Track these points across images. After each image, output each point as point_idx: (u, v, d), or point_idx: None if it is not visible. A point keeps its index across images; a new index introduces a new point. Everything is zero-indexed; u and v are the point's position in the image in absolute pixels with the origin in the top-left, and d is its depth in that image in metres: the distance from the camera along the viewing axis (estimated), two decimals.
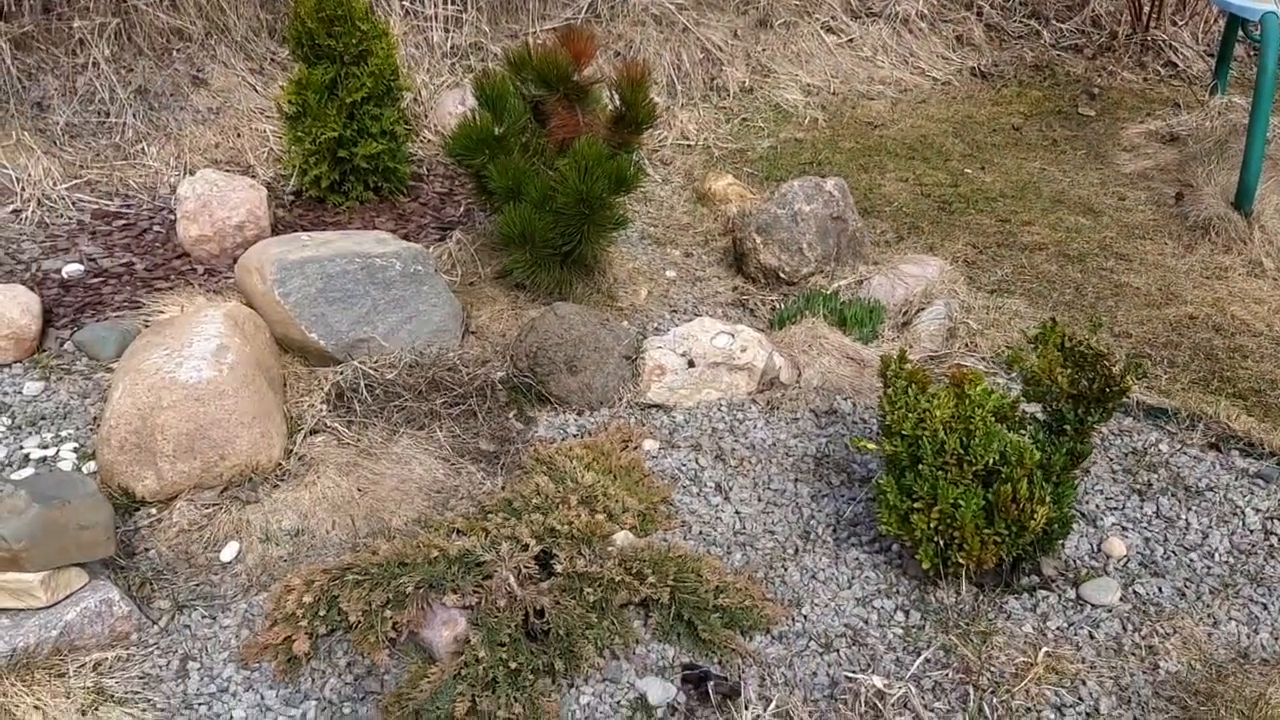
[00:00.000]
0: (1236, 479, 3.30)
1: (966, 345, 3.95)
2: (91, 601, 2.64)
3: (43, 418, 3.43)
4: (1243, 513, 3.16)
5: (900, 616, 2.82)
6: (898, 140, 5.99)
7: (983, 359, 3.89)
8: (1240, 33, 6.08)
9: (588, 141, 3.81)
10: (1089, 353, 2.84)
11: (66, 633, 2.59)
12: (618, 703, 2.56)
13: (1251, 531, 3.10)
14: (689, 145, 5.77)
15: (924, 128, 6.19)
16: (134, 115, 5.03)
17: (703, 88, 6.23)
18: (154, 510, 3.08)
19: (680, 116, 5.93)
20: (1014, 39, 7.30)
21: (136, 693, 2.55)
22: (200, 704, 2.55)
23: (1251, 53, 6.70)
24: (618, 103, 4.08)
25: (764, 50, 6.57)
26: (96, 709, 2.48)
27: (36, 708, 2.45)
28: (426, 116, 5.55)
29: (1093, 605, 2.84)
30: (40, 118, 4.90)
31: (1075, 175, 5.57)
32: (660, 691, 2.57)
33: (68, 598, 2.63)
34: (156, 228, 4.53)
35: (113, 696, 2.52)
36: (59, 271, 4.18)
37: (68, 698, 2.49)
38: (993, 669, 2.63)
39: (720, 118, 6.08)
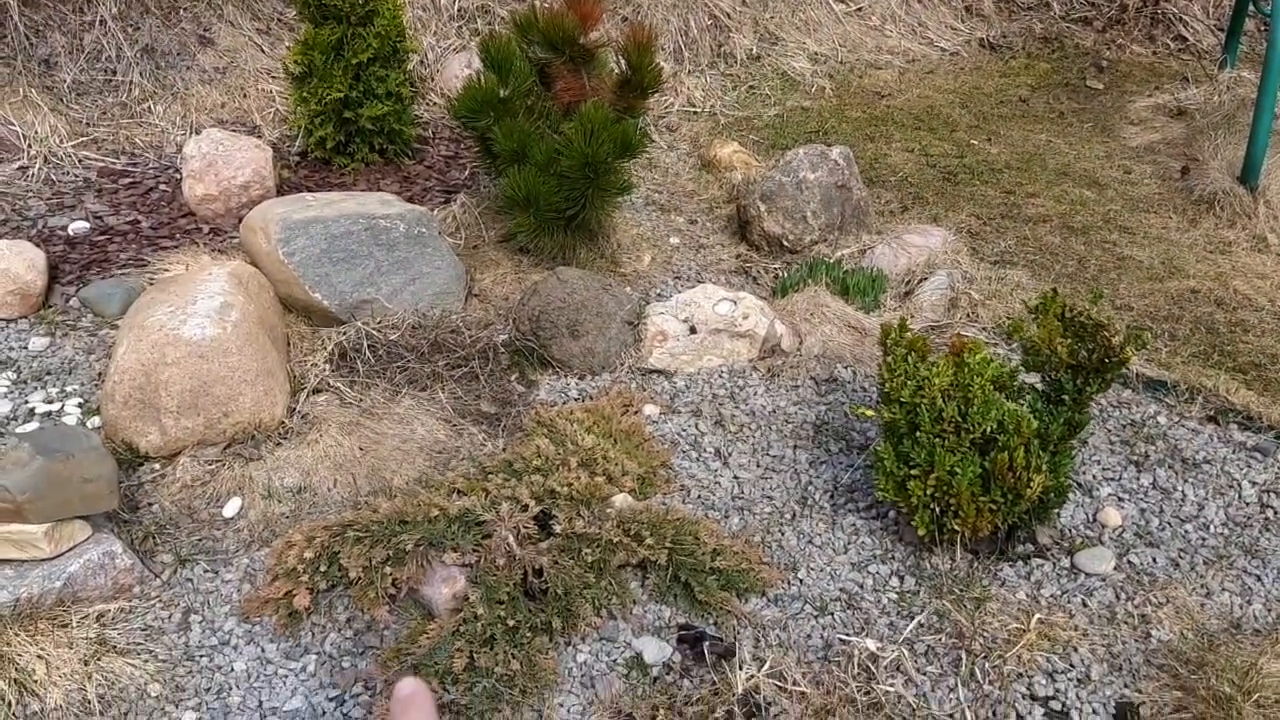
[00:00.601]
0: (1234, 452, 3.32)
1: (968, 315, 3.96)
2: (95, 554, 2.67)
3: (48, 373, 3.45)
4: (1239, 485, 3.18)
5: (895, 582, 2.85)
6: (904, 110, 5.97)
7: (984, 329, 3.90)
8: (1251, 7, 6.04)
9: (593, 105, 3.81)
10: (1089, 323, 2.85)
11: (70, 584, 2.62)
12: (614, 661, 2.59)
13: (1247, 504, 3.12)
14: (695, 112, 5.75)
15: (931, 98, 6.16)
16: (141, 74, 5.02)
17: (710, 54, 6.21)
18: (157, 465, 3.11)
19: (687, 83, 5.92)
20: (1023, 10, 7.26)
21: (139, 644, 2.59)
22: (202, 656, 2.59)
23: (1262, 27, 6.66)
24: (624, 67, 4.07)
25: (772, 18, 6.54)
26: (99, 659, 2.51)
27: (40, 657, 2.48)
28: (433, 79, 5.54)
29: (1087, 574, 2.87)
30: (47, 75, 4.89)
31: (1081, 148, 5.56)
32: (656, 651, 2.60)
33: (71, 550, 2.66)
34: (162, 186, 4.54)
35: (115, 647, 2.56)
36: (65, 228, 4.19)
37: (71, 648, 2.52)
38: (985, 634, 2.66)
39: (727, 85, 6.06)
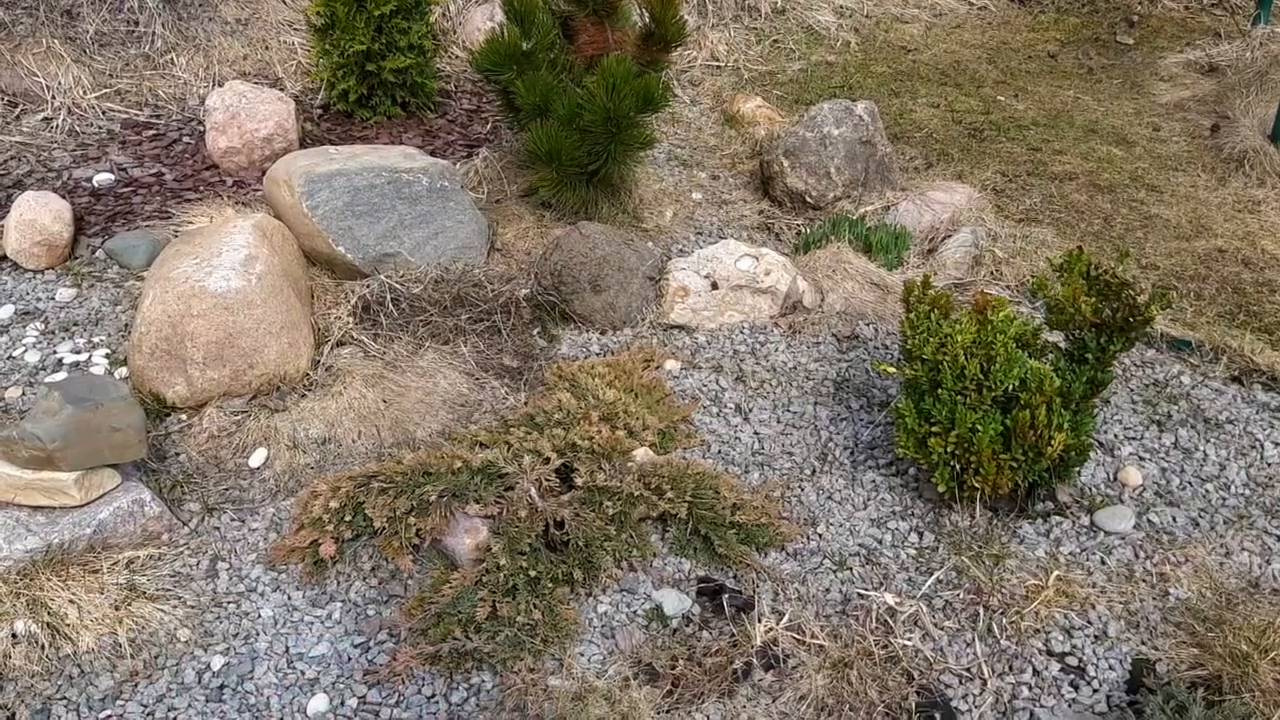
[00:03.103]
0: (1257, 412, 3.31)
1: (992, 273, 3.94)
2: (124, 502, 2.71)
3: (75, 323, 3.48)
4: (1261, 446, 3.17)
5: (914, 538, 2.86)
6: (930, 65, 5.90)
7: (1008, 287, 3.88)
8: None
9: (616, 59, 3.78)
10: (1114, 281, 2.84)
11: (100, 531, 2.66)
12: (634, 612, 2.62)
13: (1270, 464, 3.11)
14: (718, 66, 5.71)
15: (958, 53, 6.09)
16: (163, 25, 5.01)
17: (734, 8, 6.15)
18: (184, 416, 3.14)
19: (710, 37, 5.87)
20: None
21: (168, 590, 2.63)
22: (229, 602, 2.63)
23: None
24: (647, 20, 4.03)
25: None
26: (129, 604, 2.56)
27: (72, 602, 2.53)
28: (455, 32, 5.51)
29: (1106, 532, 2.87)
30: (70, 25, 4.89)
31: (1110, 105, 5.49)
32: (676, 602, 2.63)
33: (101, 498, 2.70)
34: (186, 139, 4.55)
35: (145, 593, 2.60)
36: (90, 180, 4.21)
37: (101, 593, 2.56)
38: (1004, 590, 2.67)
39: (751, 39, 6.00)
